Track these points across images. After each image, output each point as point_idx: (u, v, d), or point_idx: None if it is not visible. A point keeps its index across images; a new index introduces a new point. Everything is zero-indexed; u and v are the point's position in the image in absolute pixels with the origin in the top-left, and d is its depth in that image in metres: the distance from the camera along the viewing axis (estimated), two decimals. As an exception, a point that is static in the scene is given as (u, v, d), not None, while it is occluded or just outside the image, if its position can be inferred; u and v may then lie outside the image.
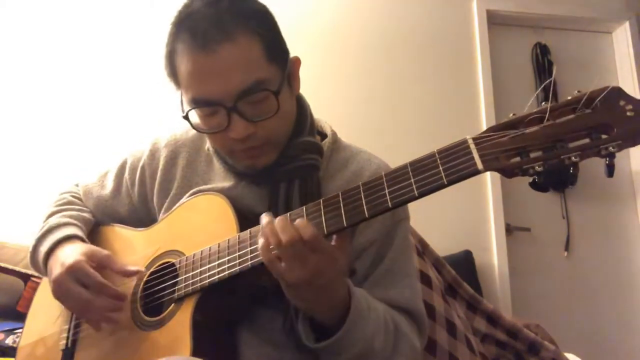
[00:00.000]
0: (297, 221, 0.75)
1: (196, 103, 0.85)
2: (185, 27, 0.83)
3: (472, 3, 2.92)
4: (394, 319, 0.88)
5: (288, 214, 0.82)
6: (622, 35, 3.08)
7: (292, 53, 0.93)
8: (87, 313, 0.92)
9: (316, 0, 2.77)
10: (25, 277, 1.81)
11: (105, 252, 0.96)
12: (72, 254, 0.94)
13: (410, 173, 0.72)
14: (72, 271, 0.90)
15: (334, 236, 0.77)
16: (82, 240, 1.02)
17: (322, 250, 0.73)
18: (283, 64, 0.88)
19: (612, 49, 3.13)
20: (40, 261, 1.00)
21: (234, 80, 0.81)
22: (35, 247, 1.03)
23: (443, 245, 2.17)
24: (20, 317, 1.35)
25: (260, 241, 0.75)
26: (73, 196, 1.18)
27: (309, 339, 0.81)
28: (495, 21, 2.97)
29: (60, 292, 0.92)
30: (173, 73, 0.87)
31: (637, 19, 3.06)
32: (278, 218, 0.77)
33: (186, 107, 0.87)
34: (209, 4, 0.83)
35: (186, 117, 0.87)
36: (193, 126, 0.89)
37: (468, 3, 2.92)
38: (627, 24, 3.05)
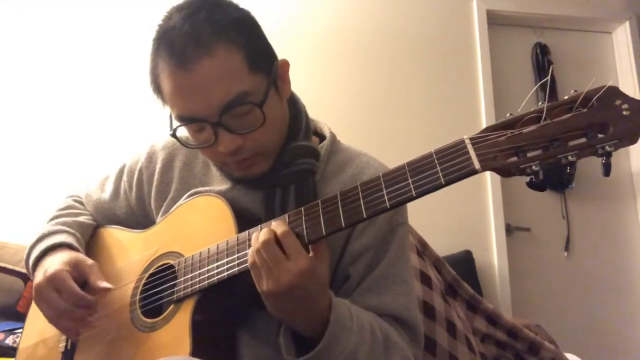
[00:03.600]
0: (273, 224, 0.77)
1: (182, 120, 0.84)
2: (164, 44, 0.82)
3: (472, 3, 2.92)
4: (383, 329, 0.85)
5: (286, 215, 0.82)
6: (622, 35, 3.08)
7: (291, 55, 0.92)
8: (61, 322, 0.92)
9: (315, 1, 2.78)
10: (25, 277, 1.81)
11: (89, 262, 0.95)
12: (55, 263, 0.93)
13: (408, 173, 0.71)
14: (52, 280, 0.90)
15: (310, 247, 0.77)
16: (72, 247, 1.01)
17: (295, 260, 0.74)
18: (268, 71, 0.86)
19: (612, 49, 3.13)
20: (30, 269, 1.01)
21: (216, 95, 0.80)
22: (28, 255, 1.04)
23: (443, 245, 2.18)
24: (20, 317, 1.35)
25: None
26: (75, 200, 1.19)
27: (290, 353, 0.79)
28: (495, 21, 2.97)
29: (39, 299, 0.92)
30: (158, 90, 0.87)
31: (637, 19, 3.06)
32: (270, 223, 0.78)
33: (174, 124, 0.86)
34: (186, 17, 0.81)
35: (174, 135, 0.87)
36: (182, 142, 0.89)
37: (468, 3, 2.92)
38: (627, 24, 3.05)
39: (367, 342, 0.80)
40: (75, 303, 0.90)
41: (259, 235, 0.76)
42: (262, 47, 0.87)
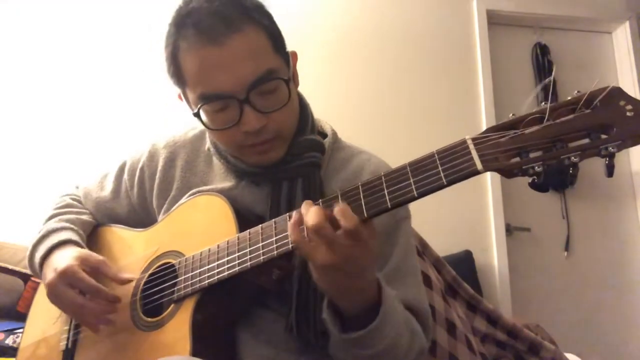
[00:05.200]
0: (337, 208, 0.71)
1: (206, 99, 0.84)
2: (189, 24, 0.82)
3: (472, 3, 2.92)
4: (407, 315, 0.88)
5: (287, 215, 0.81)
6: (622, 35, 3.08)
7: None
8: (83, 316, 0.91)
9: (316, 2, 2.77)
10: (25, 277, 1.81)
11: (99, 257, 0.95)
12: (64, 258, 0.93)
13: (410, 173, 0.71)
14: (65, 276, 0.90)
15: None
16: (77, 244, 1.01)
17: (359, 238, 0.70)
18: (287, 57, 0.89)
19: (612, 49, 3.13)
20: (37, 267, 1.00)
21: (245, 70, 0.81)
22: (32, 253, 1.03)
23: (443, 245, 2.17)
24: (20, 317, 1.35)
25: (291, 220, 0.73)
26: (72, 198, 1.18)
27: (335, 327, 0.77)
28: (495, 21, 2.97)
29: (54, 296, 0.92)
30: (177, 72, 0.86)
31: (637, 19, 3.06)
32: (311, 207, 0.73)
33: (195, 105, 0.86)
34: (211, 0, 0.83)
35: (197, 114, 0.86)
36: (204, 124, 0.88)
37: (468, 3, 2.92)
38: (627, 24, 3.05)
39: (404, 327, 0.82)
40: (93, 295, 0.90)
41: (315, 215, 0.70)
42: (281, 34, 0.90)
